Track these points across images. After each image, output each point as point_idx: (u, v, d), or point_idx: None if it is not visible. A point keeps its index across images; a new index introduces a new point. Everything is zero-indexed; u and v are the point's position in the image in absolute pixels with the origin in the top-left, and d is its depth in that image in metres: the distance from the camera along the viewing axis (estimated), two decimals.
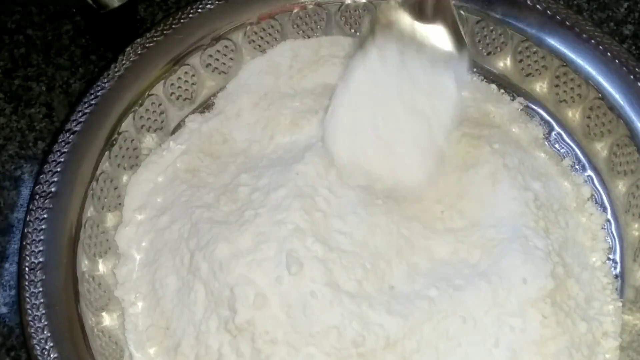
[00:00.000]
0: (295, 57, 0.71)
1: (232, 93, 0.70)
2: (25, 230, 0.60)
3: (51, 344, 0.55)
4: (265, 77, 0.70)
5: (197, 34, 0.69)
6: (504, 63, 0.71)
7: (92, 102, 0.65)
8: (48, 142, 0.70)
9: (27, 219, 0.60)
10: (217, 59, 0.71)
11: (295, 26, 0.72)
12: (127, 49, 0.67)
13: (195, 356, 0.57)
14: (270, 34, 0.72)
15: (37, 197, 0.61)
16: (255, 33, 0.71)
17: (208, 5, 0.70)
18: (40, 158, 0.70)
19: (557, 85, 0.69)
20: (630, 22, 0.77)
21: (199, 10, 0.70)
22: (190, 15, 0.69)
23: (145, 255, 0.63)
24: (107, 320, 0.60)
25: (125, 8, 0.69)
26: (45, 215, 0.60)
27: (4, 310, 0.63)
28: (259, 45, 0.72)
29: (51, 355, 0.55)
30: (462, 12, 0.70)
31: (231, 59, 0.71)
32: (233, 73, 0.72)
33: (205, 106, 0.71)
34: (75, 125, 0.64)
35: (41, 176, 0.62)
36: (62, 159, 0.62)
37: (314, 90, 0.69)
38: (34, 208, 0.60)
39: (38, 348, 0.55)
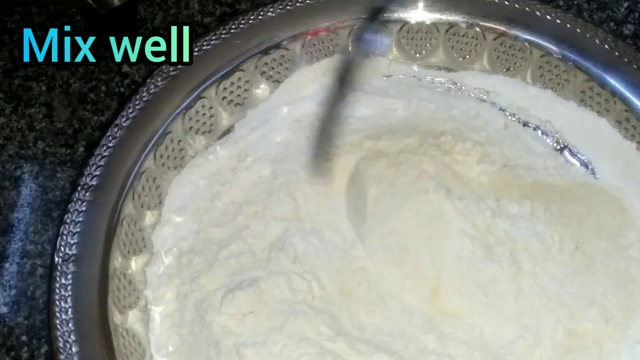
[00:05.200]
0: None
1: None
2: (65, 218, 0.60)
3: (74, 338, 0.55)
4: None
5: (255, 40, 0.69)
6: (522, 78, 0.70)
7: (144, 99, 0.65)
8: (48, 141, 0.70)
9: (68, 209, 0.60)
10: (273, 67, 0.70)
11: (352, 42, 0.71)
12: None
13: None
14: (328, 47, 0.71)
15: (79, 188, 0.61)
16: (314, 45, 0.71)
17: (269, 13, 0.69)
18: (40, 158, 0.69)
19: (582, 101, 0.67)
20: (631, 22, 0.75)
21: (260, 17, 0.69)
22: (250, 21, 0.69)
23: (178, 258, 0.62)
24: (133, 319, 0.59)
25: (125, 8, 0.68)
26: (84, 208, 0.60)
27: (4, 310, 0.63)
28: (316, 58, 0.71)
29: (72, 349, 0.55)
30: (477, 29, 0.70)
31: (287, 68, 0.71)
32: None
33: None
34: (125, 121, 0.64)
35: (85, 168, 0.62)
36: (107, 153, 0.63)
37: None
38: (75, 199, 0.61)
39: (61, 340, 0.55)
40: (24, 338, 0.62)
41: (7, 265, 0.65)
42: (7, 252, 0.65)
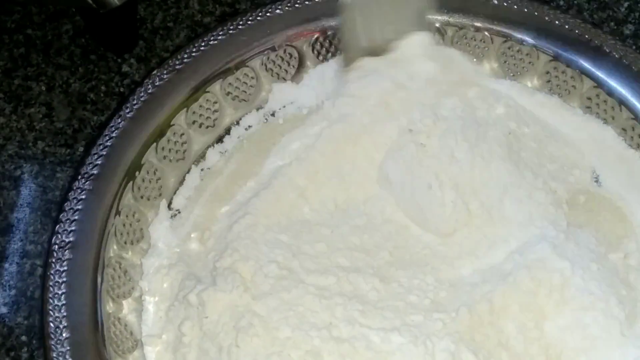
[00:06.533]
0: None
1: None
2: (64, 206, 0.60)
3: (65, 324, 0.56)
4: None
5: (262, 37, 0.69)
6: (530, 83, 0.69)
7: (149, 91, 0.66)
8: (48, 141, 0.70)
9: (68, 197, 0.61)
10: (279, 65, 0.70)
11: None
12: (190, 44, 0.68)
13: None
14: (335, 46, 0.71)
15: (80, 177, 0.62)
16: (321, 44, 0.71)
17: (277, 11, 0.69)
18: (40, 158, 0.70)
19: (588, 107, 0.67)
20: (631, 21, 0.75)
21: (268, 14, 0.69)
22: (258, 18, 0.69)
23: (175, 251, 0.63)
24: (126, 309, 0.60)
25: (126, 7, 0.68)
26: (83, 197, 0.61)
27: (4, 310, 0.63)
28: (323, 57, 0.71)
29: (63, 335, 0.55)
30: (486, 33, 0.69)
31: (293, 66, 0.71)
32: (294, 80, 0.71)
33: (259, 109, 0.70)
34: (128, 112, 0.65)
35: (87, 157, 0.62)
36: (109, 143, 0.63)
37: None
38: (75, 188, 0.61)
39: (52, 326, 0.55)
40: (23, 338, 0.62)
41: (6, 265, 0.65)
42: (7, 252, 0.65)
